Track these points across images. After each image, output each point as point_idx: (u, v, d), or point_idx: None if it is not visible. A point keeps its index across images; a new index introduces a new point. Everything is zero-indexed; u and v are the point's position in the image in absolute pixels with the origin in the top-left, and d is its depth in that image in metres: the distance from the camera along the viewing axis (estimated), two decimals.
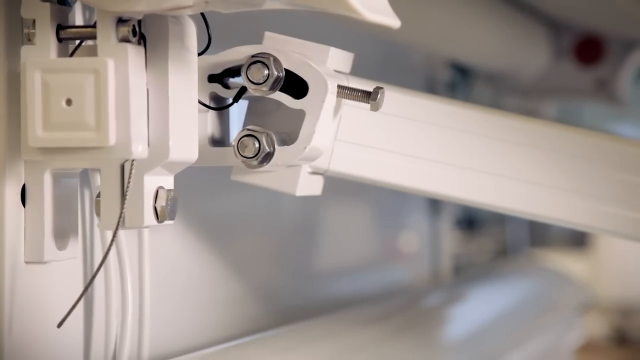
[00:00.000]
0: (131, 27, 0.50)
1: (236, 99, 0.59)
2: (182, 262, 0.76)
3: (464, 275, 1.33)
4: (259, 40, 0.59)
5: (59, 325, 0.53)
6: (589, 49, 1.35)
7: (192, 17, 0.54)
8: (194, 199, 0.77)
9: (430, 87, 1.27)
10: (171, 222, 0.54)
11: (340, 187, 0.64)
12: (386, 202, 1.13)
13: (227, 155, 0.59)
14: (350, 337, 0.81)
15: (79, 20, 0.56)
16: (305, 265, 0.98)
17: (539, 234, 1.97)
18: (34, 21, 0.51)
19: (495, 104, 1.37)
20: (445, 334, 0.96)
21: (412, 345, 0.83)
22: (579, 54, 1.35)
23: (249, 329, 0.84)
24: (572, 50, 1.36)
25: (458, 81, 1.33)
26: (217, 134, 0.60)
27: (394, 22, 0.48)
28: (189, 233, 0.77)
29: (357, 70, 0.64)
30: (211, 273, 0.80)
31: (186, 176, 0.57)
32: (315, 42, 0.60)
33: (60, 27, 0.52)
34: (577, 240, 2.37)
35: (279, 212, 0.92)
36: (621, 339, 2.41)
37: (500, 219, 1.56)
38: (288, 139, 0.59)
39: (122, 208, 0.52)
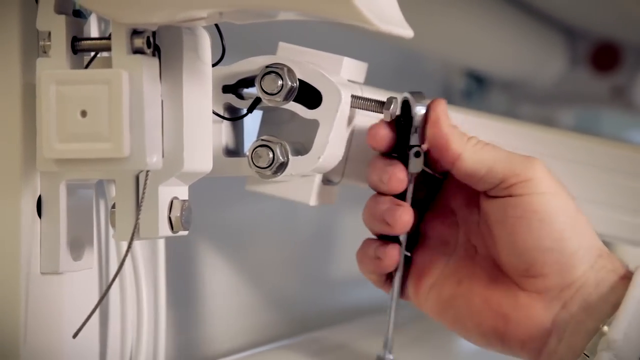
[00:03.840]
0: (145, 39, 0.50)
1: (250, 110, 0.60)
2: (197, 271, 0.76)
3: None
4: (272, 50, 0.60)
5: (75, 335, 0.53)
6: (605, 56, 1.35)
7: (206, 28, 0.54)
8: (209, 208, 0.78)
9: (446, 95, 1.27)
10: (185, 232, 0.54)
11: (356, 195, 0.64)
12: None
13: (241, 166, 0.59)
14: (365, 347, 0.81)
15: (94, 32, 0.56)
16: (321, 274, 0.98)
17: None
18: (49, 33, 0.52)
19: (511, 111, 1.36)
20: (459, 343, 0.96)
21: (427, 355, 0.83)
22: (595, 61, 1.35)
23: (264, 337, 0.84)
24: (588, 58, 1.35)
25: (474, 89, 1.33)
26: (231, 145, 0.61)
27: (407, 32, 0.48)
28: (204, 242, 0.78)
29: (373, 79, 0.64)
30: (227, 282, 0.80)
31: (202, 185, 0.57)
32: (331, 51, 0.60)
33: (75, 39, 0.52)
34: None
35: (295, 221, 0.92)
36: None
37: None
38: (302, 149, 0.59)
39: (136, 219, 0.52)
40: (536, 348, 0.57)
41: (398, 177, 0.58)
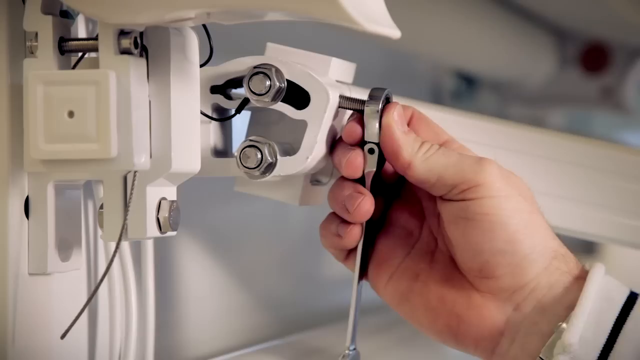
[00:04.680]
0: (133, 39, 0.50)
1: (239, 110, 0.60)
2: (187, 272, 0.76)
3: None
4: (260, 51, 0.60)
5: (63, 336, 0.53)
6: (594, 57, 1.36)
7: (194, 28, 0.54)
8: (200, 208, 0.78)
9: (436, 96, 1.27)
10: (174, 233, 0.54)
11: None
12: None
13: (229, 166, 0.59)
14: (358, 347, 0.81)
15: (82, 32, 0.56)
16: (312, 274, 0.98)
17: None
18: (36, 34, 0.52)
19: (500, 112, 1.37)
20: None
21: (416, 355, 0.83)
22: (585, 62, 1.36)
23: (254, 338, 0.84)
24: (578, 58, 1.36)
25: (463, 90, 1.33)
26: (219, 145, 0.61)
27: (393, 32, 0.48)
28: (194, 243, 0.78)
29: (362, 80, 0.64)
30: (216, 283, 0.80)
31: (192, 186, 0.57)
32: (321, 52, 0.60)
33: (62, 40, 0.52)
34: (585, 248, 2.36)
35: (286, 222, 0.92)
36: None
37: None
38: (291, 150, 0.59)
39: (124, 219, 0.52)
40: (489, 348, 0.57)
41: (354, 162, 0.58)
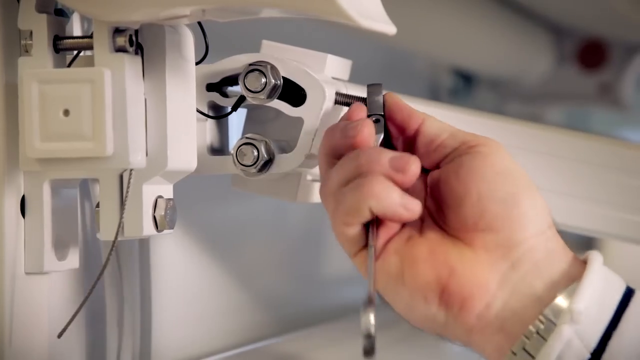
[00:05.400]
0: (128, 37, 0.50)
1: (235, 108, 0.59)
2: (187, 271, 0.76)
3: None
4: (256, 49, 0.60)
5: (60, 335, 0.53)
6: (592, 54, 1.36)
7: (190, 26, 0.54)
8: (199, 207, 0.77)
9: (434, 93, 1.27)
10: (170, 231, 0.54)
11: None
12: None
13: (226, 164, 0.59)
14: (355, 345, 0.81)
15: (77, 30, 0.56)
16: (311, 273, 0.98)
17: None
18: (31, 32, 0.52)
19: (498, 110, 1.37)
20: (446, 344, 0.96)
21: (417, 353, 0.83)
22: (582, 59, 1.36)
23: (254, 336, 0.84)
24: (575, 55, 1.36)
25: (461, 87, 1.33)
26: (216, 143, 0.61)
27: (389, 28, 0.48)
28: (194, 242, 0.78)
29: (360, 77, 0.64)
30: (217, 281, 0.80)
31: (189, 184, 0.57)
32: (317, 49, 0.60)
33: (57, 38, 0.52)
34: (585, 244, 2.37)
35: (285, 220, 0.92)
36: None
37: None
38: (287, 147, 0.59)
39: (121, 217, 0.52)
40: (474, 309, 0.53)
41: (365, 128, 0.55)
